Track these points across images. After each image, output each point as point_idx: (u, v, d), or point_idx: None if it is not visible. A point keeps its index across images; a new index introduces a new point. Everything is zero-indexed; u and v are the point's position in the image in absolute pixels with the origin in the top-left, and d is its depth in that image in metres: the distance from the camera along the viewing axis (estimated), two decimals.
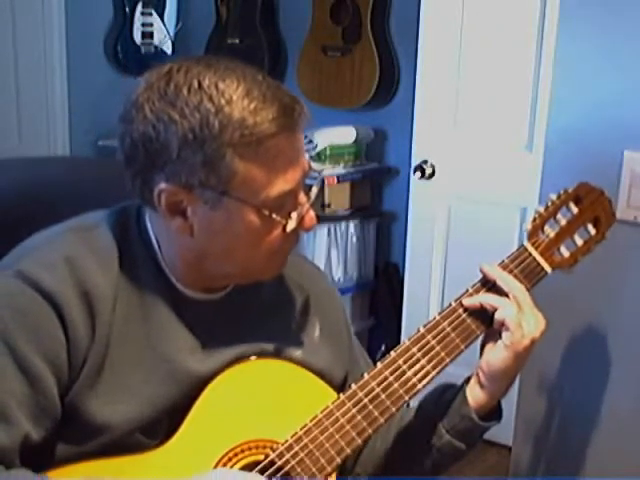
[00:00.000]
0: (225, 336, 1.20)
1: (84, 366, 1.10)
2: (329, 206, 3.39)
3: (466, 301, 1.23)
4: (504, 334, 1.20)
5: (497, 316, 1.21)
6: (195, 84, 1.06)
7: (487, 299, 1.22)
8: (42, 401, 1.08)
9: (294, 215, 1.13)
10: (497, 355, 1.21)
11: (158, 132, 1.06)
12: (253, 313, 1.24)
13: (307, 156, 1.15)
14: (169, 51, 3.99)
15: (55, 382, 1.08)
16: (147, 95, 1.08)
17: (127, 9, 3.88)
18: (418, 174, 3.13)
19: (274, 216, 1.11)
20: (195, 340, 1.18)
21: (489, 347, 1.23)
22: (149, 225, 1.18)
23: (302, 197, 1.15)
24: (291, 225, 1.12)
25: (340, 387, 1.29)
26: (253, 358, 1.21)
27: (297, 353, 1.25)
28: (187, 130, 1.05)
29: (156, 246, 1.17)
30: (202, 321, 1.19)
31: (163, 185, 1.09)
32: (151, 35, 3.92)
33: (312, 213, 1.16)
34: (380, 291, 3.66)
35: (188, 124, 1.05)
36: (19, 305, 1.08)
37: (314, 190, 1.17)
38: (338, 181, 3.39)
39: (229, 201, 1.09)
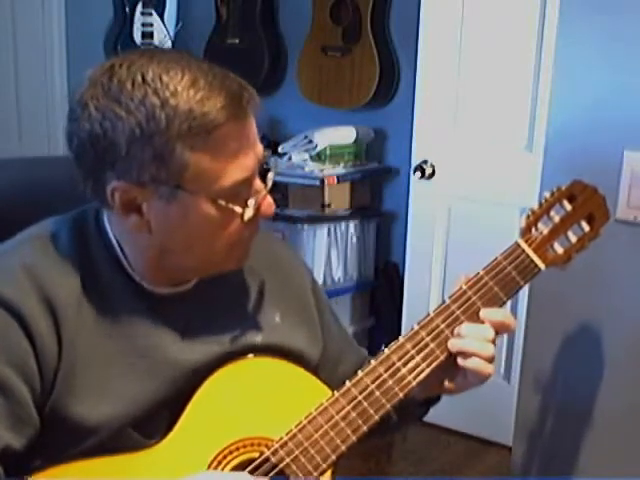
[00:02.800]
0: (201, 327, 1.20)
1: (57, 372, 1.09)
2: (329, 206, 3.39)
3: (451, 343, 1.21)
4: (474, 378, 1.22)
5: (468, 365, 1.20)
6: (139, 78, 1.04)
7: (466, 346, 1.20)
8: (17, 410, 1.07)
9: (251, 203, 1.11)
10: (464, 386, 1.24)
11: (105, 130, 1.05)
12: (224, 300, 1.23)
13: (259, 144, 1.13)
14: None
15: (28, 390, 1.08)
16: (91, 92, 1.06)
17: (127, 9, 3.88)
18: (418, 174, 3.13)
19: (230, 205, 1.09)
20: (170, 334, 1.17)
21: (458, 377, 1.23)
22: (108, 227, 1.17)
23: (258, 184, 1.13)
24: (248, 213, 1.11)
25: (318, 364, 1.29)
26: (250, 356, 1.21)
27: (275, 336, 1.25)
28: (134, 126, 1.03)
29: (117, 247, 1.16)
30: (174, 315, 1.18)
31: (115, 183, 1.08)
32: (151, 35, 3.92)
33: (269, 199, 1.15)
34: (380, 291, 3.66)
35: (134, 119, 1.03)
36: None
37: (270, 176, 1.16)
38: (338, 181, 3.39)
39: (183, 194, 1.07)
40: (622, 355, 2.09)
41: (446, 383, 1.25)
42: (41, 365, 1.08)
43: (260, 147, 1.13)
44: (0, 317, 1.07)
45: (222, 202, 1.09)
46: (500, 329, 1.22)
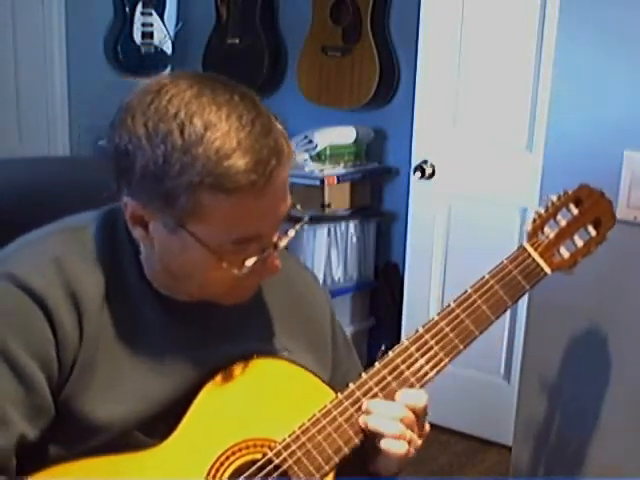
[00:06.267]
0: (214, 335, 1.20)
1: (74, 366, 1.10)
2: (329, 206, 3.39)
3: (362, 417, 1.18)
4: (390, 458, 1.18)
5: (379, 445, 1.17)
6: (172, 111, 1.03)
7: (371, 423, 1.17)
8: (36, 400, 1.08)
9: (248, 263, 1.09)
10: (389, 465, 1.20)
11: (128, 151, 1.04)
12: (240, 313, 1.22)
13: (289, 200, 1.10)
14: (169, 51, 3.99)
15: (47, 381, 1.09)
16: (134, 105, 1.05)
17: (127, 9, 3.88)
18: (418, 174, 3.13)
19: (223, 264, 1.08)
20: (186, 339, 1.18)
21: (381, 457, 1.19)
22: None
23: (267, 242, 1.11)
24: (244, 271, 1.09)
25: None
26: (254, 357, 1.21)
27: (285, 355, 1.24)
28: (149, 160, 1.03)
29: (141, 249, 1.17)
30: (189, 321, 1.18)
31: (127, 198, 1.09)
32: (151, 35, 3.92)
33: (274, 261, 1.12)
34: (380, 291, 3.66)
35: (152, 154, 1.02)
36: (7, 306, 1.08)
37: (290, 234, 1.14)
38: (338, 181, 3.39)
39: (185, 233, 1.07)
40: (622, 354, 2.10)
41: (371, 466, 1.21)
42: (61, 357, 1.09)
43: (284, 207, 1.10)
44: (26, 306, 1.08)
45: (218, 256, 1.08)
46: (415, 411, 1.19)
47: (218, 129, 1.02)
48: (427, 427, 1.25)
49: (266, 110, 1.08)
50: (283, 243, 1.13)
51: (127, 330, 1.14)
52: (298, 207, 1.14)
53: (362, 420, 1.18)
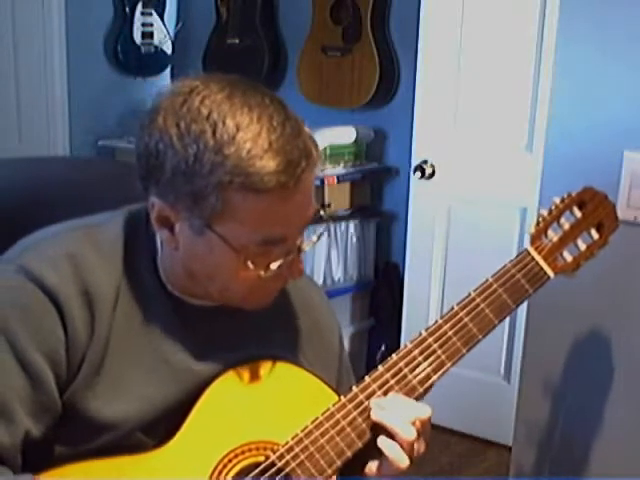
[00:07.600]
0: (224, 340, 1.20)
1: (82, 364, 1.10)
2: (329, 206, 3.39)
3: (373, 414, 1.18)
4: (388, 467, 1.17)
5: (386, 450, 1.16)
6: (204, 112, 1.04)
7: (389, 421, 1.16)
8: (42, 397, 1.09)
9: (273, 266, 1.10)
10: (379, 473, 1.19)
11: (158, 151, 1.05)
12: (252, 322, 1.23)
13: (314, 204, 1.11)
14: (169, 51, 3.99)
15: (54, 378, 1.09)
16: (165, 106, 1.06)
17: (127, 9, 3.88)
18: (418, 174, 3.13)
19: (249, 264, 1.08)
20: (194, 343, 1.18)
21: (374, 464, 1.19)
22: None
23: (292, 245, 1.11)
24: (268, 274, 1.10)
25: None
26: (255, 360, 1.21)
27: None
28: (180, 159, 1.03)
29: (159, 251, 1.17)
30: (200, 325, 1.19)
31: (154, 198, 1.10)
32: (151, 35, 3.93)
33: (300, 266, 1.13)
34: (380, 291, 3.66)
35: (183, 154, 1.03)
36: (20, 301, 1.08)
37: (313, 239, 1.15)
38: (338, 181, 3.39)
39: (211, 234, 1.08)
40: (622, 354, 2.10)
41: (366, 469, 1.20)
42: (70, 355, 1.09)
43: (310, 210, 1.11)
44: (40, 303, 1.08)
45: (243, 257, 1.08)
46: (419, 427, 1.18)
47: (250, 130, 1.03)
48: (422, 448, 1.21)
49: (294, 113, 1.09)
50: (307, 247, 1.14)
51: (137, 331, 1.14)
52: (322, 213, 1.15)
53: (374, 412, 1.17)
